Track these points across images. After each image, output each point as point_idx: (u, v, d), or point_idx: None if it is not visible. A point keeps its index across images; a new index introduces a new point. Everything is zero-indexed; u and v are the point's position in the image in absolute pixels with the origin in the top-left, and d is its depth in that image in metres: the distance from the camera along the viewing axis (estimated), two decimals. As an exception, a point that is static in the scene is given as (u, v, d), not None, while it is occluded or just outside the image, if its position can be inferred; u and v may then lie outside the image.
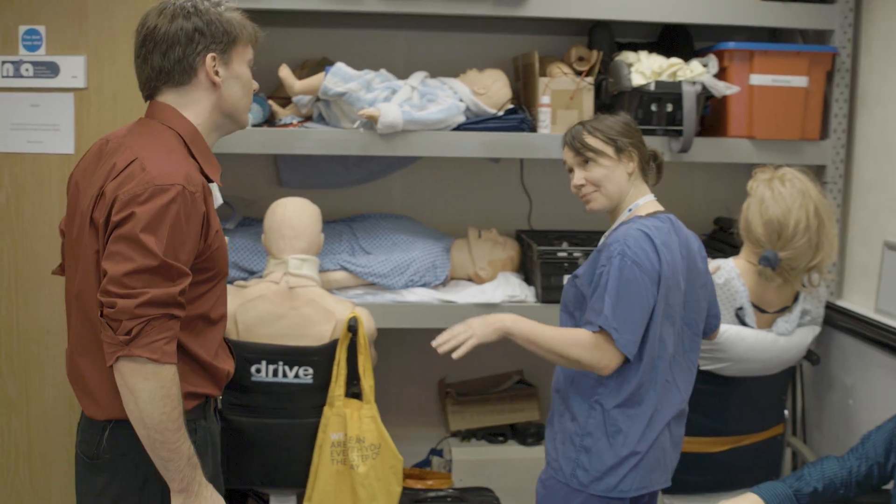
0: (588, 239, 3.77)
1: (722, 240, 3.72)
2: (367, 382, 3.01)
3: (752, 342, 2.98)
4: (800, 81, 3.43)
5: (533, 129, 3.45)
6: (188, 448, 2.01)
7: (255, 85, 2.25)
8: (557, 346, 2.47)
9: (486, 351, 4.00)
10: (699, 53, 3.60)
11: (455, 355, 2.49)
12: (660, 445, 2.57)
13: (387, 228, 3.61)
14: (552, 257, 3.39)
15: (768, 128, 3.45)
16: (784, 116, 3.45)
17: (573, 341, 2.46)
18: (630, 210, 2.61)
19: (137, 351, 1.91)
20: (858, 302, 3.41)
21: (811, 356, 3.27)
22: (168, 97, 2.14)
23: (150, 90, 2.16)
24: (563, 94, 3.45)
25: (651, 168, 2.69)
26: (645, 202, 2.62)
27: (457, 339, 2.51)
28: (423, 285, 3.47)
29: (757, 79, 3.42)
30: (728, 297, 2.99)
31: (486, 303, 3.38)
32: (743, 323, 3.02)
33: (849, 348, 3.28)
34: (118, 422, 2.05)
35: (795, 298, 3.07)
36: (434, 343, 2.51)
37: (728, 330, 2.96)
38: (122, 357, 1.92)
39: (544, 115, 3.41)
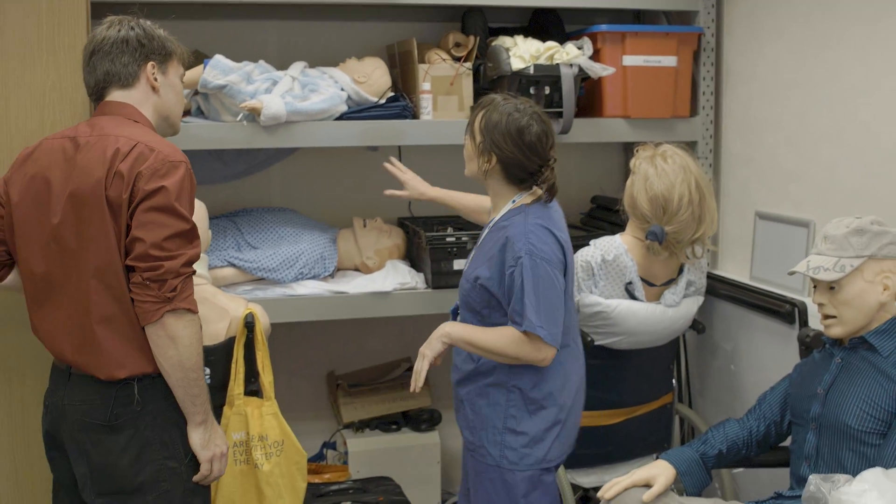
0: (469, 223, 3.80)
1: (600, 217, 3.81)
2: (267, 378, 2.95)
3: (643, 315, 3.07)
4: (669, 61, 3.55)
5: (415, 115, 3.45)
6: (206, 386, 2.35)
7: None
8: (496, 346, 2.55)
9: (373, 340, 4.01)
10: (570, 37, 3.66)
11: (420, 385, 2.60)
12: (577, 409, 2.69)
13: (271, 222, 3.54)
14: (441, 243, 3.39)
15: (642, 107, 3.55)
16: (656, 95, 3.56)
17: (509, 340, 2.53)
18: (514, 201, 2.65)
19: (182, 304, 2.21)
20: (734, 271, 3.56)
21: (697, 325, 3.39)
22: (117, 96, 2.39)
23: (99, 92, 2.42)
24: (443, 80, 3.46)
25: (538, 183, 2.63)
26: (528, 192, 2.66)
27: (418, 370, 2.61)
28: (313, 277, 3.42)
29: (629, 60, 3.52)
30: (617, 272, 3.07)
31: (377, 291, 3.37)
32: (633, 297, 3.10)
33: (729, 315, 3.41)
34: (140, 378, 2.30)
35: (680, 270, 3.18)
36: (411, 390, 2.61)
37: (620, 305, 3.05)
38: (167, 311, 2.18)
39: (426, 102, 3.41)
